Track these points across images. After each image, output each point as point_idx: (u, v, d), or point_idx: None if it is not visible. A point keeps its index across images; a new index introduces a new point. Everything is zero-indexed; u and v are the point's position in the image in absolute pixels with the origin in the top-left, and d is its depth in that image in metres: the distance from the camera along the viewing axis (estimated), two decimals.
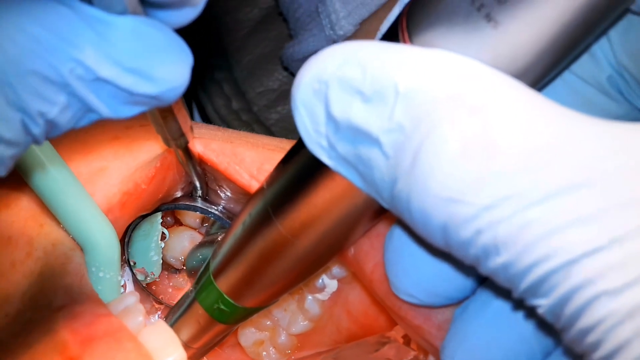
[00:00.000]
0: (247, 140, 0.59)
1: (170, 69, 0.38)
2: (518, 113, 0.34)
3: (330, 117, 0.39)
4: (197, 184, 0.60)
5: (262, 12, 1.04)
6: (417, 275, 0.46)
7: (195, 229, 0.65)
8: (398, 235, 0.46)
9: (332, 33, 0.86)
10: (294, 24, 0.93)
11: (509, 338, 0.44)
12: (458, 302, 0.48)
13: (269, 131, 1.01)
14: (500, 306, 0.44)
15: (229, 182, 0.58)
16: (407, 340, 0.57)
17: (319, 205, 0.43)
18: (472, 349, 0.45)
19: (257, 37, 1.04)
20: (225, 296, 0.51)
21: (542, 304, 0.35)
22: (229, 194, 0.60)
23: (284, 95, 1.04)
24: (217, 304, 0.52)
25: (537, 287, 0.34)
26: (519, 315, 0.44)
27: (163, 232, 0.63)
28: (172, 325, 0.55)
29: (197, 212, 0.61)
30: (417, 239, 0.46)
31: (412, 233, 0.46)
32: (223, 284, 0.51)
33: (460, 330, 0.46)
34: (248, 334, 0.64)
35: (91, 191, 0.55)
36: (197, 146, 0.57)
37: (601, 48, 0.43)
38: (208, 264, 0.53)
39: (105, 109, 0.38)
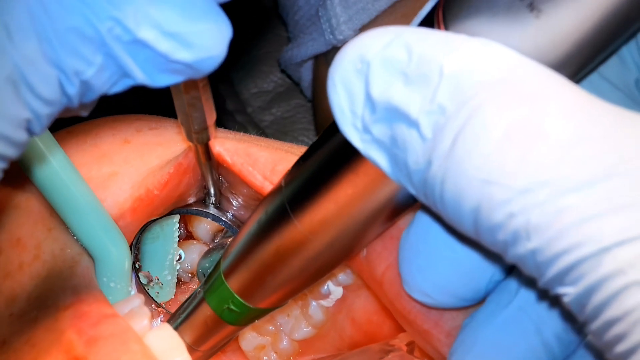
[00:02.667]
0: (259, 143, 0.59)
1: (208, 36, 0.37)
2: (567, 103, 0.35)
3: (368, 98, 0.39)
4: (212, 189, 0.59)
5: (259, 13, 1.04)
6: (432, 273, 0.46)
7: (206, 244, 0.64)
8: (415, 233, 0.47)
9: (331, 37, 0.86)
10: (293, 26, 0.93)
11: (518, 347, 0.44)
12: (469, 306, 0.48)
13: (263, 133, 1.01)
14: (510, 315, 0.45)
15: (243, 185, 0.57)
16: (410, 349, 0.57)
17: (340, 201, 0.43)
18: (480, 356, 0.46)
19: (253, 37, 1.03)
20: (236, 296, 0.51)
21: (569, 292, 0.34)
22: (240, 200, 0.60)
23: (279, 97, 1.04)
24: (227, 304, 0.51)
25: (565, 275, 0.34)
26: (529, 325, 0.44)
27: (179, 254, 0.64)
28: (177, 327, 0.55)
29: (209, 219, 0.61)
30: (438, 233, 0.45)
31: (435, 226, 0.46)
32: (234, 284, 0.51)
33: (469, 337, 0.47)
34: (250, 339, 0.64)
35: (102, 197, 0.54)
36: (215, 146, 0.56)
37: (630, 51, 0.43)
38: (218, 263, 0.52)
39: (140, 74, 0.38)
